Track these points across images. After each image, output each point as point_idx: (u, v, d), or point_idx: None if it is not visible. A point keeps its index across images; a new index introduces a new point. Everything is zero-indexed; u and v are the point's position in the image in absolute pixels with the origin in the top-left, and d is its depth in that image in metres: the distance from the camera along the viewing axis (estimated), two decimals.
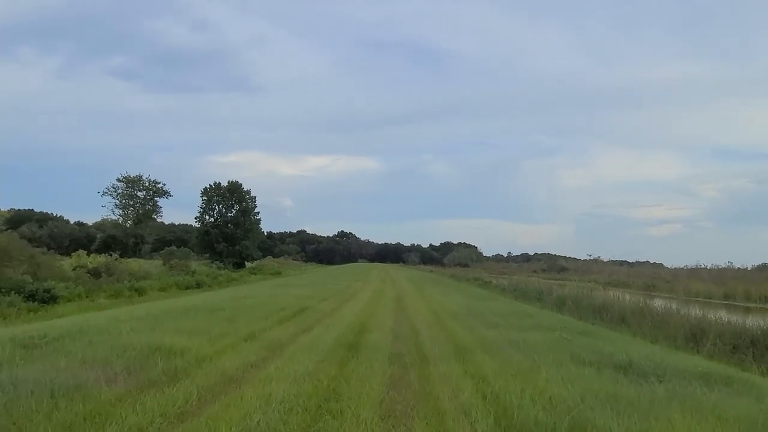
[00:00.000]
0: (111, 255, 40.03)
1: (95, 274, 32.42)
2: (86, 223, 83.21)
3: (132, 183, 57.93)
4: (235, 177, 64.28)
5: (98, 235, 55.44)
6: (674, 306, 20.73)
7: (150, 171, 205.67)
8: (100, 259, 38.78)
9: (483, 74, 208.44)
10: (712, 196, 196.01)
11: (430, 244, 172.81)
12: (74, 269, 33.41)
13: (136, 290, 29.26)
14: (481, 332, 9.91)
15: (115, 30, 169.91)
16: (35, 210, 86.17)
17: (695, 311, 19.98)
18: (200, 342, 7.93)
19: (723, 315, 18.87)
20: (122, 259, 42.32)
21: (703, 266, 57.12)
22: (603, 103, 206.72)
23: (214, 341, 8.20)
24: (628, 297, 25.44)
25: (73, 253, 40.89)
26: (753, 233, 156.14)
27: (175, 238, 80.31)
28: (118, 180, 58.09)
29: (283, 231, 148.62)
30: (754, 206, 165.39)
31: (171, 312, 11.30)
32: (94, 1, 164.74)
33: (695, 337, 16.48)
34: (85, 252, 40.81)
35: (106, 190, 58.38)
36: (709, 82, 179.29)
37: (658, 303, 22.47)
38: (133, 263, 42.94)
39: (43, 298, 21.57)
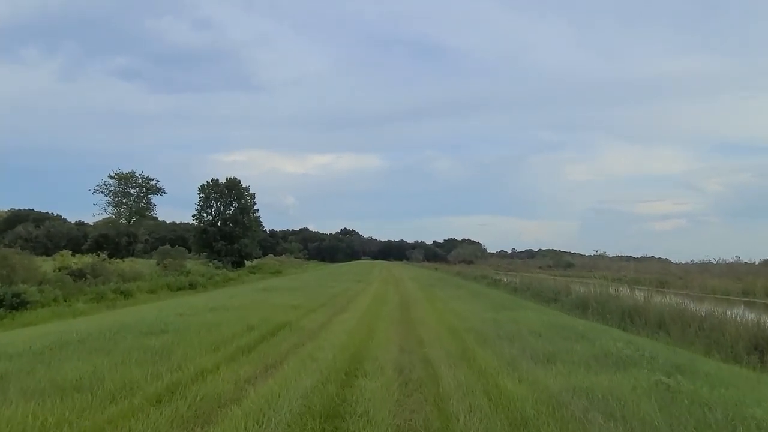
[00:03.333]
0: (99, 255, 36.82)
1: (79, 275, 29.53)
2: (87, 223, 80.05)
3: (124, 180, 54.36)
4: (239, 176, 61.01)
5: (90, 234, 52.11)
6: (709, 307, 17.52)
7: (154, 170, 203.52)
8: (86, 260, 35.58)
9: (487, 70, 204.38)
10: (716, 191, 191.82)
11: (434, 241, 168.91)
12: (57, 271, 30.38)
13: (122, 293, 26.44)
14: (534, 373, 6.32)
15: (117, 30, 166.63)
16: (36, 210, 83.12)
17: (749, 313, 16.59)
18: (58, 415, 4.40)
19: (751, 314, 15.70)
20: (113, 260, 39.17)
21: (711, 261, 54.36)
22: (608, 97, 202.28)
23: (93, 410, 4.66)
24: (659, 298, 21.74)
25: (56, 254, 37.70)
26: (758, 227, 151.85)
27: (177, 236, 77.17)
28: (110, 177, 54.57)
29: (285, 229, 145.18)
30: (759, 200, 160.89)
31: (85, 339, 7.78)
32: (96, 2, 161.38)
33: (759, 350, 13.18)
34: (70, 252, 37.54)
35: (97, 187, 54.79)
36: (713, 76, 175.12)
37: (681, 301, 19.12)
38: (124, 263, 39.85)
39: (12, 304, 18.90)
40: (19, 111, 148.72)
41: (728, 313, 16.05)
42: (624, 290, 23.58)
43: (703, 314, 16.59)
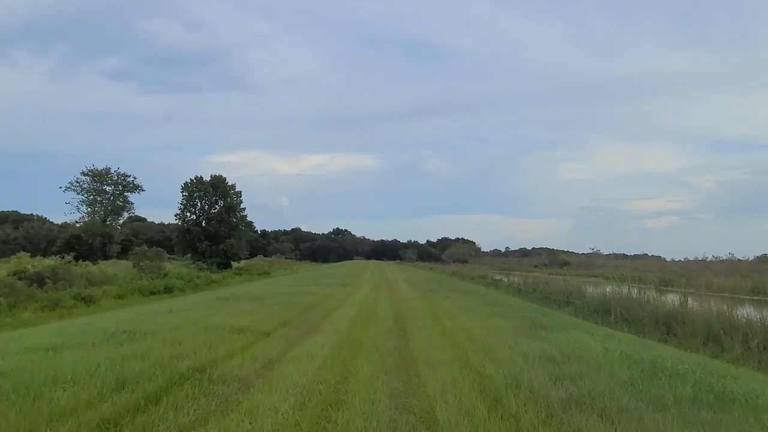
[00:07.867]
0: (63, 257, 32.36)
1: (37, 280, 25.25)
2: (72, 224, 75.13)
3: (99, 177, 49.25)
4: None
5: (61, 236, 47.10)
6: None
7: (147, 171, 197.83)
8: (46, 262, 30.94)
9: (480, 69, 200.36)
10: (709, 188, 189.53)
11: (427, 240, 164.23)
12: (11, 275, 25.94)
13: (83, 299, 22.22)
14: None
15: (109, 31, 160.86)
16: (20, 212, 78.13)
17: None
18: None
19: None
20: (81, 262, 34.71)
21: (706, 258, 52.06)
22: (601, 95, 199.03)
23: None
24: (694, 302, 17.58)
25: (12, 256, 33.18)
26: (750, 224, 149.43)
27: (164, 237, 72.52)
28: (83, 173, 49.59)
29: (277, 229, 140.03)
30: (751, 197, 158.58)
31: None
32: (87, 3, 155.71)
33: None
34: (28, 254, 32.93)
35: (69, 185, 49.71)
36: (706, 73, 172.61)
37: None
38: (94, 266, 35.42)
39: None
40: (9, 113, 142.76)
41: None
42: (650, 293, 19.67)
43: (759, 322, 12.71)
